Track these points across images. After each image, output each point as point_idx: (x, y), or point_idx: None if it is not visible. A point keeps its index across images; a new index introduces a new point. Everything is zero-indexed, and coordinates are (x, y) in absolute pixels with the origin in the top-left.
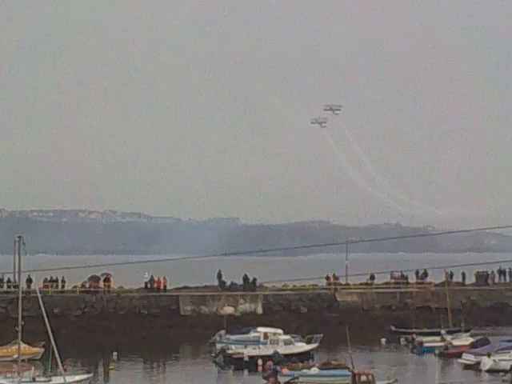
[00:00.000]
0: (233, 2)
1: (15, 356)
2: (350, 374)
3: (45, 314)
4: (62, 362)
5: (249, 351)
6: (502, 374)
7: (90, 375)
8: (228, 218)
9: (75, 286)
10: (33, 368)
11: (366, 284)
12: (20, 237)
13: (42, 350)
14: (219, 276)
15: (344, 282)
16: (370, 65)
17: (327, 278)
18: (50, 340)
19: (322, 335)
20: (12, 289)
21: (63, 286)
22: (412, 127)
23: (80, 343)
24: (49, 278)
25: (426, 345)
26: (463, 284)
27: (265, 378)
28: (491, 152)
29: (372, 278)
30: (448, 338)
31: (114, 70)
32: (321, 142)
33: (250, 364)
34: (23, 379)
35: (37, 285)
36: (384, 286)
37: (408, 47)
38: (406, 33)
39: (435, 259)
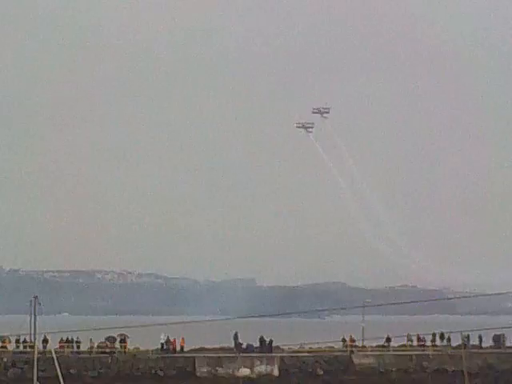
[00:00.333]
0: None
1: None
2: None
3: (60, 375)
4: None
5: None
6: None
7: None
8: (244, 279)
9: (91, 347)
10: None
11: (383, 346)
12: (36, 297)
13: None
14: (236, 337)
15: (360, 345)
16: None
17: (343, 341)
18: None
19: None
20: (28, 349)
21: (78, 347)
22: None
23: None
24: (65, 339)
25: None
26: (480, 347)
27: None
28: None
29: (388, 340)
30: None
31: (125, 128)
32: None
33: None
34: None
35: (53, 345)
36: (400, 349)
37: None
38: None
39: (452, 322)
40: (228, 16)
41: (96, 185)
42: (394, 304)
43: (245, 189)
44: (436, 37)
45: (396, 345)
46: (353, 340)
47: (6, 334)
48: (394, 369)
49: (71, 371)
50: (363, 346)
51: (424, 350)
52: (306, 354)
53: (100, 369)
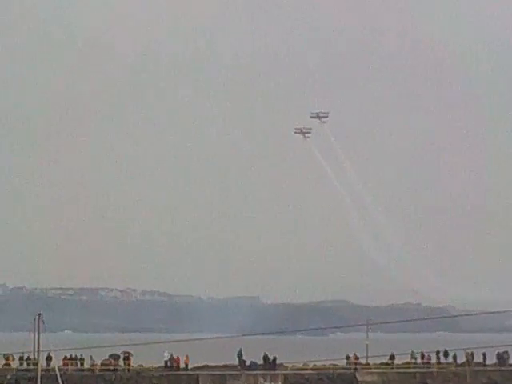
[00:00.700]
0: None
1: None
2: None
3: None
4: None
5: None
6: None
7: None
8: (248, 296)
9: (95, 364)
10: None
11: (387, 364)
12: (39, 314)
13: None
14: (239, 355)
15: (364, 362)
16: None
17: (347, 358)
18: None
19: None
20: (32, 366)
21: (82, 364)
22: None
23: None
24: (68, 356)
25: None
26: (484, 364)
27: None
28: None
29: (392, 357)
30: None
31: (127, 143)
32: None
33: None
34: None
35: (56, 363)
36: (404, 366)
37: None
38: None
39: (456, 339)
40: (226, 20)
41: (100, 202)
42: (397, 322)
43: (245, 202)
44: (435, 40)
45: (400, 362)
46: (357, 357)
47: (9, 352)
48: None
49: None
50: (367, 364)
51: (428, 368)
52: (310, 372)
53: None
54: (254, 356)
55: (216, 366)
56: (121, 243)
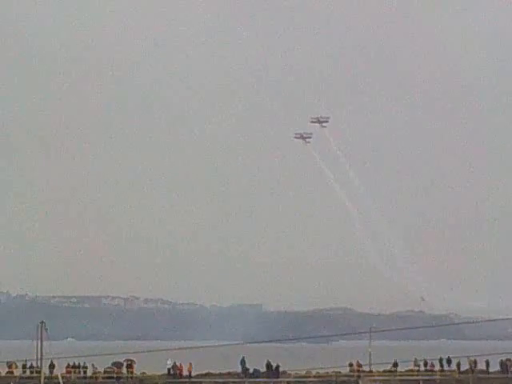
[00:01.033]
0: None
1: None
2: None
3: None
4: None
5: None
6: None
7: None
8: (251, 304)
9: (97, 372)
10: None
11: (390, 371)
12: (42, 322)
13: None
14: (242, 363)
15: (367, 370)
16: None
17: (350, 365)
18: None
19: None
20: (35, 374)
21: (85, 372)
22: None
23: None
24: (71, 364)
25: None
26: (487, 372)
27: None
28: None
29: (395, 365)
30: None
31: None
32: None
33: None
34: None
35: (59, 370)
36: (407, 374)
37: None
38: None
39: (459, 347)
40: (227, 25)
41: (103, 211)
42: (400, 329)
43: (247, 210)
44: (437, 49)
45: (403, 370)
46: (360, 365)
47: (12, 360)
48: None
49: None
50: (370, 371)
51: (431, 375)
52: (313, 379)
53: None
54: (257, 364)
55: (219, 374)
56: (124, 251)
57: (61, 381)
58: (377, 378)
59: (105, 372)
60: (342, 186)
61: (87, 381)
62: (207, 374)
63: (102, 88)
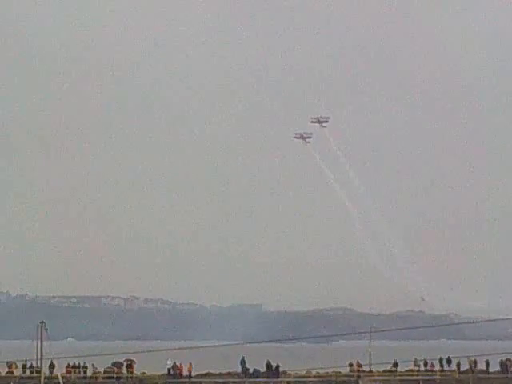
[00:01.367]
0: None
1: None
2: None
3: None
4: None
5: None
6: None
7: None
8: (251, 304)
9: (94, 372)
10: None
11: (390, 371)
12: (42, 322)
13: None
14: (242, 363)
15: (367, 370)
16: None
17: (350, 365)
18: None
19: None
20: (35, 374)
21: (85, 372)
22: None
23: None
24: (71, 364)
25: None
26: (487, 372)
27: None
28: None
29: (395, 365)
30: None
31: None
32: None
33: None
34: None
35: (59, 370)
36: (407, 374)
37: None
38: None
39: (459, 347)
40: (227, 25)
41: (102, 211)
42: (400, 329)
43: (246, 210)
44: (437, 49)
45: (403, 370)
46: (360, 365)
47: (12, 360)
48: None
49: None
50: (370, 371)
51: (431, 375)
52: (313, 379)
53: None
54: (257, 364)
55: (219, 374)
56: (124, 251)
57: (61, 381)
58: (377, 378)
59: (105, 372)
60: (342, 186)
61: (87, 381)
62: (207, 374)
63: (101, 88)
